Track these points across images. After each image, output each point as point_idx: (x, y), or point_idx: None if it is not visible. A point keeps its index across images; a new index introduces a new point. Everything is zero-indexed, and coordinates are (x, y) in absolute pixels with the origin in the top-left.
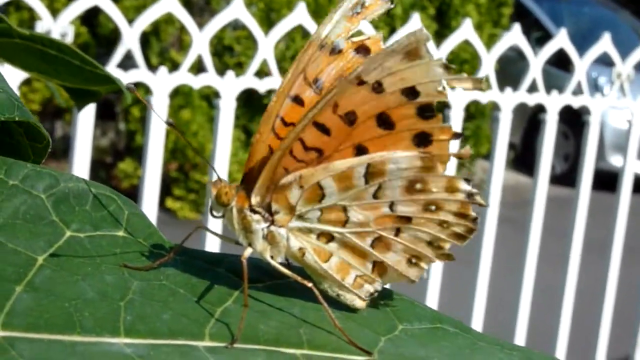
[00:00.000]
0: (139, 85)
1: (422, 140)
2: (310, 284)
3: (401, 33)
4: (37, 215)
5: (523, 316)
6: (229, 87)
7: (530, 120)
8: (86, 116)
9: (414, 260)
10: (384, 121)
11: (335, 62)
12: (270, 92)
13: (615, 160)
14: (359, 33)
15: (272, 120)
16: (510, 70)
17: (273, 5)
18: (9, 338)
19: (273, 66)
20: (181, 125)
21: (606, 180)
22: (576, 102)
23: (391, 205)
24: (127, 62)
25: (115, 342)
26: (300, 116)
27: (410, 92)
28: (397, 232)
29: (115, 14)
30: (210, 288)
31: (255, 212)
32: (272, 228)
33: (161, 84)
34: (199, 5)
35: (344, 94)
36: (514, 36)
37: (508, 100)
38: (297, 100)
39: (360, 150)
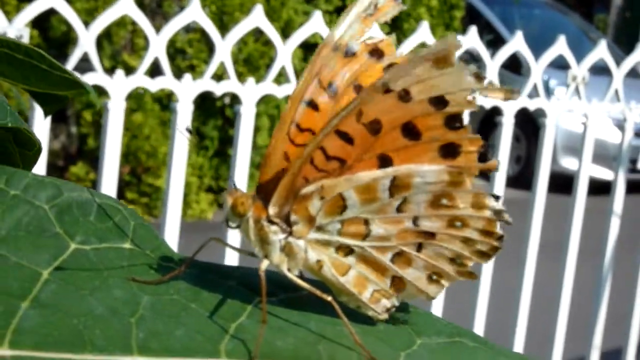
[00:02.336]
0: (95, 88)
1: (450, 151)
2: (329, 298)
3: None
4: (40, 226)
5: (480, 318)
6: (186, 90)
7: (482, 122)
8: (41, 120)
9: (434, 277)
10: (410, 131)
11: (349, 64)
12: (225, 95)
13: (566, 163)
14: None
15: (287, 126)
16: None
17: (225, 8)
18: (18, 358)
19: (230, 69)
20: (133, 128)
21: (558, 183)
22: (532, 105)
23: (415, 220)
24: (81, 65)
25: None
26: (317, 121)
27: (439, 101)
28: (419, 247)
29: (71, 16)
30: (222, 302)
31: (272, 222)
32: (290, 239)
33: (118, 87)
34: (151, 8)
35: (369, 102)
36: (470, 39)
37: None
38: (312, 104)
39: (384, 160)
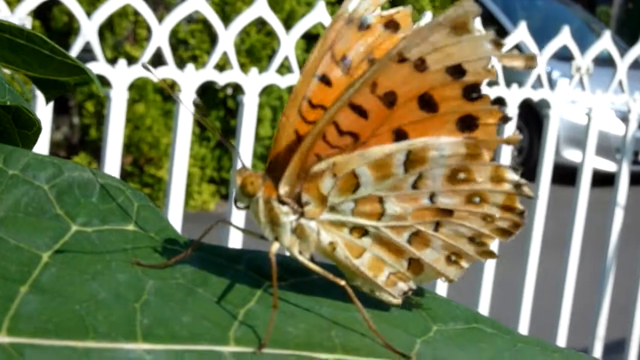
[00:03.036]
0: (97, 78)
1: (468, 124)
2: (343, 282)
3: None
4: (40, 208)
5: (483, 309)
6: (189, 80)
7: None
8: (43, 109)
9: (453, 258)
10: (427, 103)
11: (363, 38)
12: (227, 86)
13: (569, 154)
14: (386, 7)
15: (299, 102)
16: None
17: None
18: (16, 345)
19: (233, 59)
20: (135, 119)
21: (561, 174)
22: (536, 96)
23: (432, 197)
24: (82, 56)
25: (134, 348)
26: (329, 97)
27: (456, 71)
28: (437, 226)
29: (73, 6)
30: (231, 287)
31: (283, 203)
32: (302, 221)
33: (120, 77)
34: None
35: (384, 72)
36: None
37: None
38: (324, 79)
39: (400, 135)
